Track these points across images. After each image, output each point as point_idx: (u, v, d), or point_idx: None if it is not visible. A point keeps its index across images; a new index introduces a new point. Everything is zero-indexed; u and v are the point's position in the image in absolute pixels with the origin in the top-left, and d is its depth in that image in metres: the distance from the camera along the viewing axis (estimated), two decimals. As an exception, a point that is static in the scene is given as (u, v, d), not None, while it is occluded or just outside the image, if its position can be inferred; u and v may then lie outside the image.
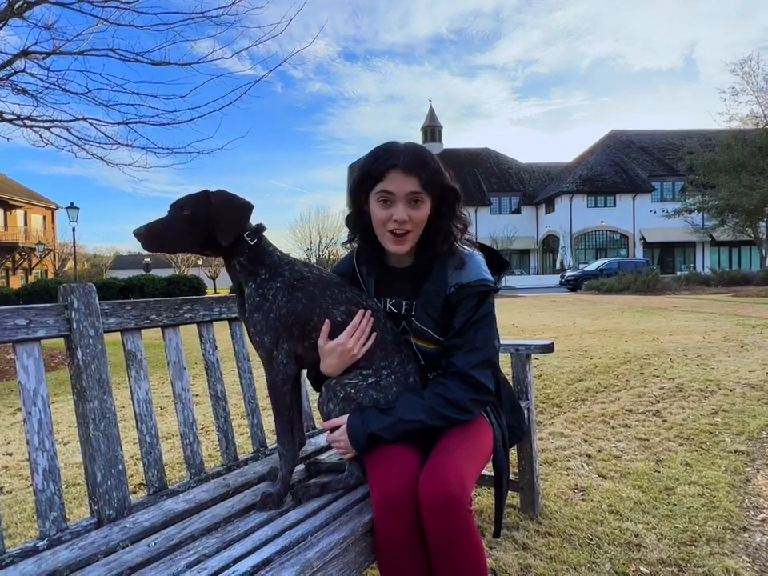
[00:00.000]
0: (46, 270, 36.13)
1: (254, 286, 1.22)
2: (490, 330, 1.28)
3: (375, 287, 1.41)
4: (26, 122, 6.06)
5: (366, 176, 1.26)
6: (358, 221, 1.36)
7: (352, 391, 1.24)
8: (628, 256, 32.66)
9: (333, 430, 1.25)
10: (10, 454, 2.95)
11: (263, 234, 1.26)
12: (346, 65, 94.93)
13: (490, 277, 1.31)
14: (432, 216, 1.30)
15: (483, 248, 1.43)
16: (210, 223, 1.15)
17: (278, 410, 1.26)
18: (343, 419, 1.23)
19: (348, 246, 1.45)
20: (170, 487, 1.33)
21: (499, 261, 1.43)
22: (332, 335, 1.26)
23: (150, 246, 1.16)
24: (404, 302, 1.36)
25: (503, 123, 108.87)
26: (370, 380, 1.26)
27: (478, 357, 1.23)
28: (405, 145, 1.27)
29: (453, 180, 1.31)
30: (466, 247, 1.35)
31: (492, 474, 1.36)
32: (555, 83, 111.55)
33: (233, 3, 5.70)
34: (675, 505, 2.05)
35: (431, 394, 1.22)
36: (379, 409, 1.21)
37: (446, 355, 1.27)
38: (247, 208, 1.21)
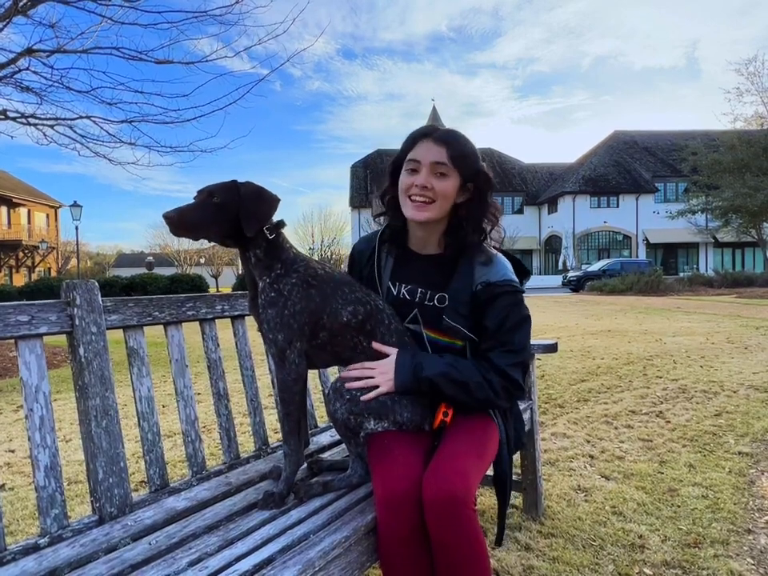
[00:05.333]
0: (50, 268, 36.25)
1: (268, 281, 1.21)
2: (526, 334, 1.31)
3: (392, 271, 1.41)
4: (29, 120, 6.08)
5: (403, 148, 1.31)
6: (389, 196, 1.38)
7: (358, 393, 1.23)
8: (631, 257, 32.56)
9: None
10: (13, 451, 2.96)
11: (282, 230, 1.27)
12: (345, 63, 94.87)
13: (516, 279, 1.32)
14: (464, 204, 1.31)
15: (506, 255, 1.43)
16: (237, 213, 1.16)
17: (288, 410, 1.24)
18: (392, 350, 1.26)
19: (377, 220, 1.47)
20: (171, 485, 1.32)
21: (521, 269, 1.43)
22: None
23: (178, 230, 1.14)
24: (419, 290, 1.35)
25: (504, 122, 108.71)
26: None
27: (516, 358, 1.27)
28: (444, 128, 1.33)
29: (488, 169, 1.33)
30: (492, 250, 1.37)
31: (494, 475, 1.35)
32: (556, 82, 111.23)
33: (236, 2, 5.70)
34: (679, 506, 2.04)
35: (473, 363, 1.25)
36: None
37: (480, 354, 1.29)
38: (275, 201, 1.22)
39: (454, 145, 1.26)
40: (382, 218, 1.46)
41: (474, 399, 1.23)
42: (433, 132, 1.28)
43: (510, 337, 1.27)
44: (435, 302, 1.33)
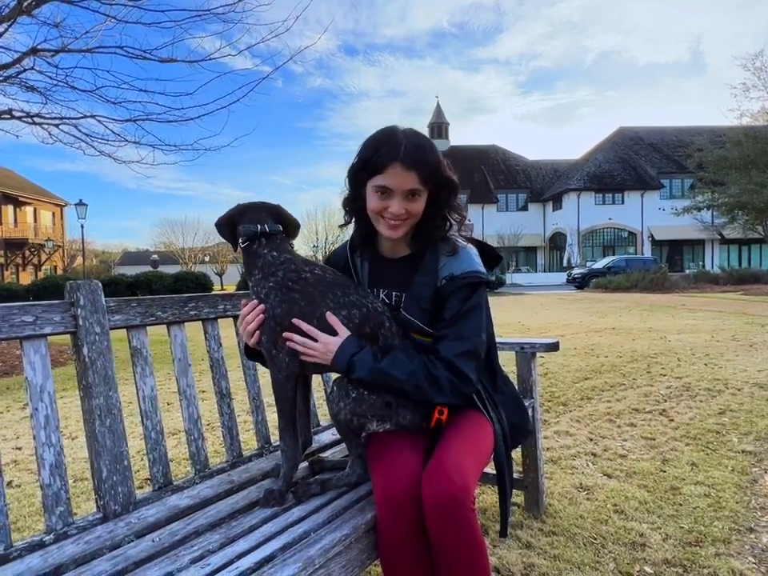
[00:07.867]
0: (56, 266, 36.48)
1: (251, 285, 1.29)
2: (478, 320, 1.27)
3: (369, 277, 1.41)
4: (35, 119, 6.12)
5: (366, 164, 1.25)
6: (354, 205, 1.36)
7: (365, 392, 1.23)
8: (636, 254, 32.41)
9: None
10: (20, 449, 2.99)
11: (259, 239, 1.28)
12: (346, 59, 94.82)
13: (482, 269, 1.30)
14: (428, 204, 1.29)
15: (476, 243, 1.42)
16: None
17: (281, 407, 1.27)
18: (344, 331, 1.21)
19: (344, 229, 1.46)
20: (174, 483, 1.34)
21: (492, 255, 1.42)
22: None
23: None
24: (394, 294, 1.36)
25: (507, 118, 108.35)
26: None
27: (463, 346, 1.23)
28: (406, 134, 1.24)
29: (450, 170, 1.30)
30: (459, 240, 1.35)
31: (495, 471, 1.36)
32: (559, 77, 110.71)
33: (239, 0, 5.70)
34: (681, 505, 2.04)
35: (419, 362, 1.21)
36: (374, 354, 1.21)
37: (434, 345, 1.26)
38: (216, 225, 1.35)
39: (424, 166, 1.22)
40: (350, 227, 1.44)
41: (411, 401, 1.21)
42: (400, 154, 1.20)
43: (461, 323, 1.24)
44: None
